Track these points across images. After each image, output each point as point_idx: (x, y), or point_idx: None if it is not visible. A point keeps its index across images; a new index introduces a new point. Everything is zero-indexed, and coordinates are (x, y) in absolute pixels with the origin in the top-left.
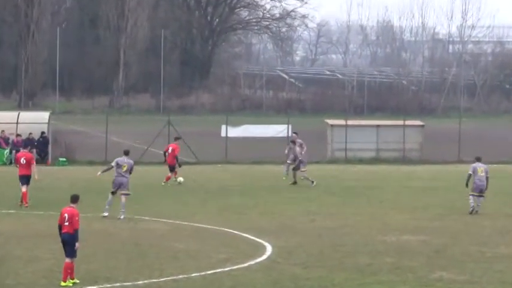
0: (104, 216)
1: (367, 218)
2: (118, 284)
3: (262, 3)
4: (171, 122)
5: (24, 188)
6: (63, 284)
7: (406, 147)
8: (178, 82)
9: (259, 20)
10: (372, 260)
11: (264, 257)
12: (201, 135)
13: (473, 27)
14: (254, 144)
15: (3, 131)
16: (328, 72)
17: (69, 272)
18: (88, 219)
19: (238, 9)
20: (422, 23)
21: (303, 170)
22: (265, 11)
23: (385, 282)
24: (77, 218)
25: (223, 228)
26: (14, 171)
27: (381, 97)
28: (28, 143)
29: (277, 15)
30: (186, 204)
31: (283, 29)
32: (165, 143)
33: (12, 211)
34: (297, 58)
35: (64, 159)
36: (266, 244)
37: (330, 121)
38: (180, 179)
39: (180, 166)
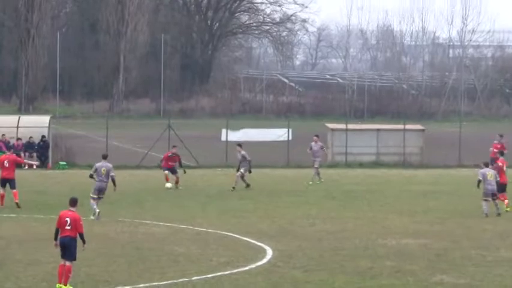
0: (97, 215)
1: (367, 222)
2: None
3: (263, 7)
4: (171, 126)
5: (2, 190)
6: (63, 287)
7: (407, 152)
8: (178, 86)
9: (259, 24)
10: (373, 263)
11: (265, 260)
12: (201, 139)
13: (473, 31)
14: (254, 148)
15: (3, 134)
16: (328, 76)
17: (68, 276)
18: (88, 223)
19: (239, 14)
20: (422, 27)
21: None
22: (265, 16)
23: (385, 286)
24: (80, 223)
25: (223, 232)
26: None
27: (381, 101)
28: (28, 146)
29: (278, 20)
30: (186, 208)
31: (284, 33)
32: (165, 147)
33: (13, 215)
34: (297, 62)
35: (64, 163)
36: (266, 248)
37: (330, 125)
38: (168, 184)
39: (184, 172)
